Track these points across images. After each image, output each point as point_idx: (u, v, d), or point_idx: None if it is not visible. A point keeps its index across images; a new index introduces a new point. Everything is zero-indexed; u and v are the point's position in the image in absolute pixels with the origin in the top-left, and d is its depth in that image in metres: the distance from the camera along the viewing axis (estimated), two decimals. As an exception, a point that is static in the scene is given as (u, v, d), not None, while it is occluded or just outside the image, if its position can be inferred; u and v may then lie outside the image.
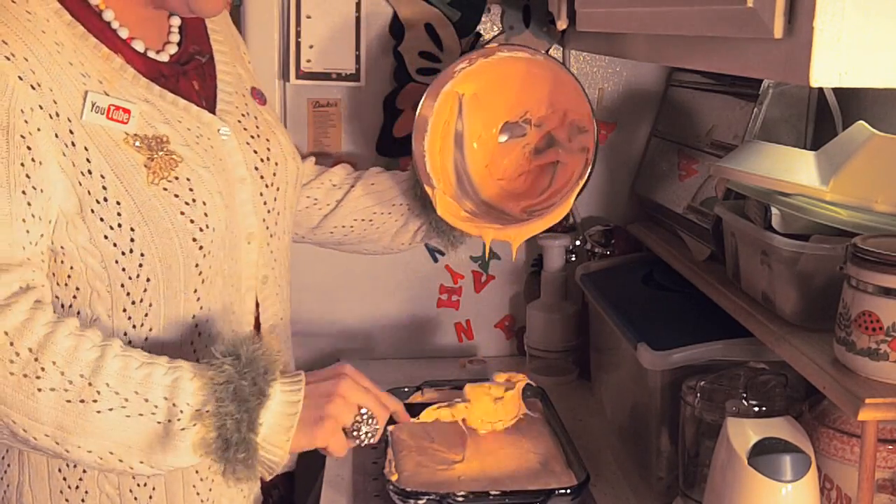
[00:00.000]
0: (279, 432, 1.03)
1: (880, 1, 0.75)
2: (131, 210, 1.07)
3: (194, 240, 1.12)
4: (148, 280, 1.10)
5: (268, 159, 1.24)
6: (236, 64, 1.31)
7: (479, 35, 1.79)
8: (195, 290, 1.14)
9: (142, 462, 1.01)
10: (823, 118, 1.42)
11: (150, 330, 1.12)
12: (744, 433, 1.08)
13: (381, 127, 1.82)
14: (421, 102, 1.42)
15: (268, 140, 1.26)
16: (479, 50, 1.43)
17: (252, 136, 1.24)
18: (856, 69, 0.76)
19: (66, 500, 1.15)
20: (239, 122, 1.23)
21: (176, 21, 1.22)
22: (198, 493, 1.19)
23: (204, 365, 1.04)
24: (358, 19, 1.76)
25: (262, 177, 1.23)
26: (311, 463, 1.89)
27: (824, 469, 1.10)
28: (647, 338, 1.36)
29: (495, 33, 1.80)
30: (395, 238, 1.48)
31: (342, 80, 1.77)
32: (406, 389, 1.56)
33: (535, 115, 1.46)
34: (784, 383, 1.21)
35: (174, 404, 1.00)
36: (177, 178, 1.10)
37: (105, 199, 1.06)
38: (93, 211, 1.06)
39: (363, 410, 1.10)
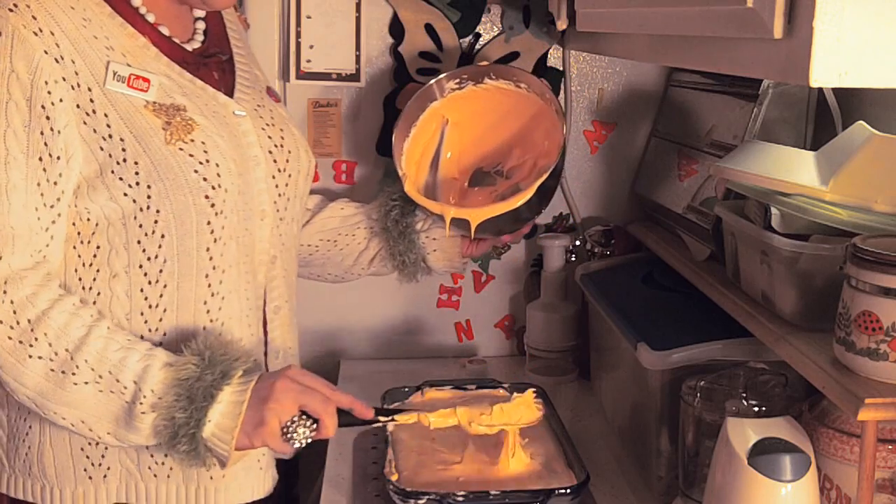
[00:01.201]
0: (224, 431, 1.11)
1: (880, 1, 0.75)
2: (148, 169, 1.14)
3: (206, 197, 1.17)
4: (163, 236, 1.17)
5: (281, 146, 1.30)
6: (252, 66, 1.38)
7: (478, 35, 1.80)
8: (207, 249, 1.19)
9: (108, 433, 1.14)
10: (823, 118, 1.42)
11: (165, 286, 1.19)
12: (744, 433, 1.08)
13: (381, 127, 1.82)
14: (409, 104, 1.51)
15: (282, 130, 1.32)
16: (472, 69, 1.52)
17: (267, 124, 1.30)
18: (856, 69, 0.76)
19: (88, 457, 1.21)
20: (255, 110, 1.29)
21: (201, 25, 1.28)
22: (211, 478, 1.24)
23: (176, 358, 1.14)
24: (358, 19, 1.76)
25: (275, 161, 1.28)
26: (311, 463, 1.90)
27: (824, 469, 1.10)
28: (647, 338, 1.36)
29: (495, 33, 1.80)
30: (357, 261, 1.54)
31: (342, 80, 1.78)
32: (406, 389, 1.56)
33: (507, 165, 1.54)
34: (784, 383, 1.21)
35: (140, 388, 1.11)
36: (192, 141, 1.17)
37: (124, 160, 1.14)
38: (112, 172, 1.14)
39: (302, 413, 1.13)
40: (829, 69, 0.75)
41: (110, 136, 1.13)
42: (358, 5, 1.75)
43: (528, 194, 1.40)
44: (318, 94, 1.80)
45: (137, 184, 1.15)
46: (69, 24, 1.13)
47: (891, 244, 1.01)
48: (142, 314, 1.19)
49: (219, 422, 1.11)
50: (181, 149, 1.16)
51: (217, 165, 1.18)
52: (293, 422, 1.12)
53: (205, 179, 1.17)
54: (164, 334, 1.20)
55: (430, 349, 1.93)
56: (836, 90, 1.40)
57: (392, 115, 1.80)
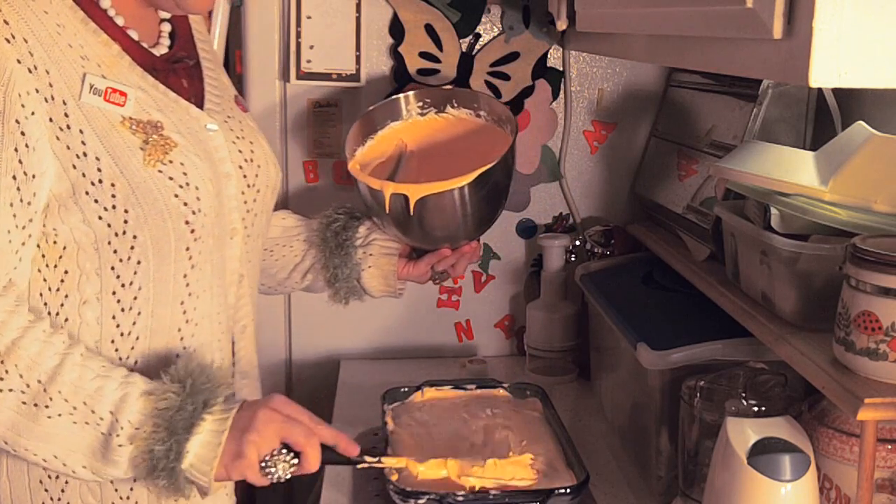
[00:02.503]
0: (204, 462, 1.06)
1: (880, 1, 0.75)
2: (126, 192, 1.08)
3: (187, 222, 1.12)
4: (139, 263, 1.11)
5: (251, 160, 1.25)
6: (220, 73, 1.32)
7: (478, 35, 1.80)
8: (185, 276, 1.14)
9: (84, 467, 1.07)
10: (823, 118, 1.42)
11: (139, 313, 1.13)
12: (743, 433, 1.08)
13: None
14: (374, 109, 1.52)
15: (251, 143, 1.26)
16: (436, 93, 1.52)
17: (237, 137, 1.24)
18: (855, 69, 0.76)
19: (46, 490, 1.14)
20: (225, 122, 1.24)
21: (167, 27, 1.22)
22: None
23: (155, 385, 1.08)
24: (358, 19, 1.76)
25: (244, 176, 1.23)
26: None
27: (823, 469, 1.10)
28: (647, 337, 1.37)
29: (495, 34, 1.80)
30: (291, 274, 1.48)
31: (342, 81, 1.78)
32: (406, 389, 1.56)
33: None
34: (783, 383, 1.21)
35: (117, 420, 1.05)
36: (171, 162, 1.11)
37: (100, 181, 1.07)
38: (87, 193, 1.07)
39: (284, 446, 1.09)
40: (828, 69, 0.75)
41: (85, 155, 1.06)
42: (358, 5, 1.75)
43: (470, 177, 1.36)
44: (318, 94, 1.80)
45: (114, 207, 1.08)
46: (43, 32, 1.06)
47: (890, 244, 1.01)
48: (112, 341, 1.12)
49: (198, 453, 1.06)
50: (160, 171, 1.10)
51: (197, 189, 1.13)
52: (272, 455, 1.08)
53: (185, 204, 1.11)
54: (136, 362, 1.14)
55: (430, 349, 1.93)
56: (835, 90, 1.40)
57: (392, 116, 1.80)
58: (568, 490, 1.28)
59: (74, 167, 1.06)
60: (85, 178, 1.07)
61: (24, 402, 1.04)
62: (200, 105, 1.22)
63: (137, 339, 1.13)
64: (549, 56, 1.82)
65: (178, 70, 1.21)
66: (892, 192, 1.11)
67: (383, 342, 1.92)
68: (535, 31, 1.79)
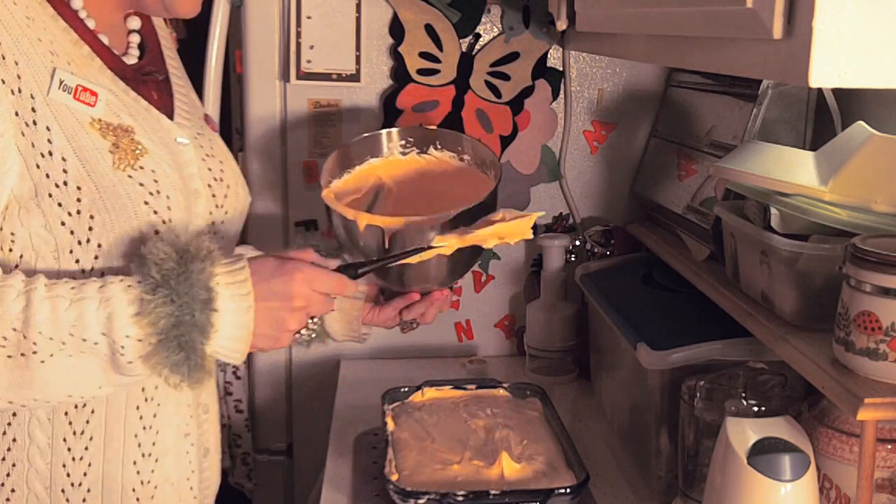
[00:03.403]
0: (230, 350, 1.02)
1: (880, 1, 0.75)
2: (92, 196, 1.02)
3: (157, 232, 1.06)
4: (102, 275, 1.03)
5: (221, 179, 1.19)
6: (189, 90, 1.27)
7: (478, 35, 1.80)
8: None
9: (100, 387, 1.01)
10: (822, 119, 1.42)
11: (60, 403, 1.05)
12: (743, 433, 1.09)
13: (381, 127, 1.81)
14: (354, 142, 1.42)
15: (221, 162, 1.21)
16: (420, 132, 1.44)
17: (207, 154, 1.19)
18: (855, 69, 0.76)
19: None
20: (195, 138, 1.18)
21: (135, 38, 1.17)
22: (137, 499, 1.13)
23: (139, 290, 0.99)
24: (358, 19, 1.76)
25: (213, 195, 1.17)
26: (311, 462, 1.90)
27: (823, 468, 1.10)
28: (647, 338, 1.37)
29: (495, 34, 1.80)
30: None
31: (342, 81, 1.78)
32: (406, 389, 1.56)
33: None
34: (783, 383, 1.21)
35: (114, 340, 0.98)
36: (142, 168, 1.06)
37: (65, 183, 1.01)
38: (50, 195, 1.01)
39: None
40: (828, 69, 0.75)
41: (50, 154, 1.00)
42: (358, 5, 1.75)
43: (449, 214, 1.22)
44: (318, 94, 1.80)
45: (78, 212, 1.01)
46: (11, 21, 1.00)
47: (890, 244, 1.01)
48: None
49: (228, 334, 1.01)
50: (130, 176, 1.04)
51: (168, 198, 1.07)
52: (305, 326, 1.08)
53: (155, 213, 1.05)
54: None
55: (430, 349, 1.93)
56: (835, 90, 1.40)
57: (392, 116, 1.80)
58: (568, 490, 1.28)
59: (38, 167, 1.00)
60: (49, 179, 1.00)
61: (9, 357, 0.96)
62: (171, 117, 1.17)
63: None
64: (549, 56, 1.82)
65: (147, 82, 1.16)
66: (892, 192, 1.11)
67: (383, 342, 1.92)
68: (535, 31, 1.79)
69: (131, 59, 1.15)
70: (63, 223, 1.01)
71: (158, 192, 1.07)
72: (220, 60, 1.82)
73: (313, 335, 1.10)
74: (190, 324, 0.99)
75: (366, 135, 1.44)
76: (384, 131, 1.45)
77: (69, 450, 1.07)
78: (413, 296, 1.32)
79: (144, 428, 1.11)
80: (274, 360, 1.91)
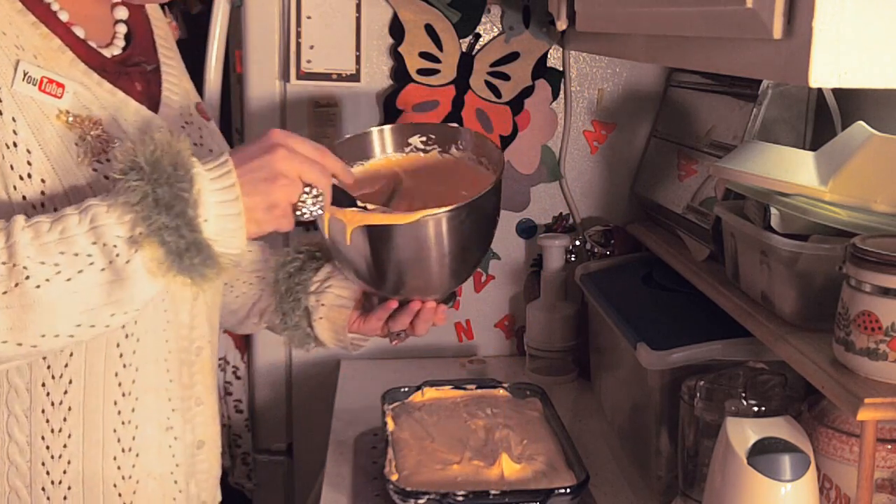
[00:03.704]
0: (226, 222, 0.97)
1: (880, 1, 0.75)
2: (56, 189, 1.00)
3: None
4: None
5: None
6: (183, 78, 1.23)
7: (478, 35, 1.80)
8: None
9: (113, 314, 0.96)
10: (822, 118, 1.42)
11: (71, 336, 0.99)
12: (743, 433, 1.09)
13: (381, 127, 1.82)
14: (336, 145, 1.34)
15: (211, 151, 1.17)
16: (438, 130, 1.37)
17: (195, 144, 1.16)
18: (855, 69, 0.76)
19: None
20: (182, 127, 1.15)
21: (122, 28, 1.15)
22: (119, 494, 1.10)
23: (113, 192, 0.96)
24: (358, 19, 1.76)
25: None
26: (311, 462, 1.90)
27: (823, 468, 1.10)
28: (647, 338, 1.37)
29: (495, 34, 1.80)
30: (250, 313, 1.36)
31: (342, 81, 1.78)
32: (406, 389, 1.56)
33: None
34: (783, 383, 1.21)
35: (104, 244, 0.93)
36: (108, 161, 1.02)
37: (29, 176, 0.99)
38: (15, 188, 0.99)
39: (307, 186, 1.01)
40: (828, 69, 0.75)
41: (15, 145, 0.98)
42: (358, 5, 1.75)
43: (415, 216, 1.15)
44: (318, 94, 1.80)
45: (42, 205, 0.98)
46: None
47: (890, 244, 1.01)
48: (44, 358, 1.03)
49: (216, 214, 0.96)
50: (95, 169, 1.01)
51: None
52: (302, 198, 1.01)
53: None
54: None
55: (430, 349, 1.93)
56: (835, 90, 1.40)
57: (392, 116, 1.80)
58: (568, 490, 1.28)
59: (3, 157, 0.98)
60: (13, 170, 0.98)
61: (4, 292, 0.91)
62: (155, 109, 1.13)
63: (72, 355, 1.04)
64: (549, 56, 1.82)
65: (131, 73, 1.13)
66: (892, 192, 1.11)
67: (383, 342, 1.90)
68: (535, 31, 1.79)
69: (115, 49, 1.12)
70: (28, 216, 0.97)
71: None
72: (220, 60, 1.82)
73: (318, 208, 1.03)
74: (172, 195, 0.94)
75: (348, 136, 1.37)
76: (374, 129, 1.37)
77: (48, 448, 1.06)
78: (391, 304, 1.28)
79: (123, 423, 1.09)
80: (274, 360, 1.91)
